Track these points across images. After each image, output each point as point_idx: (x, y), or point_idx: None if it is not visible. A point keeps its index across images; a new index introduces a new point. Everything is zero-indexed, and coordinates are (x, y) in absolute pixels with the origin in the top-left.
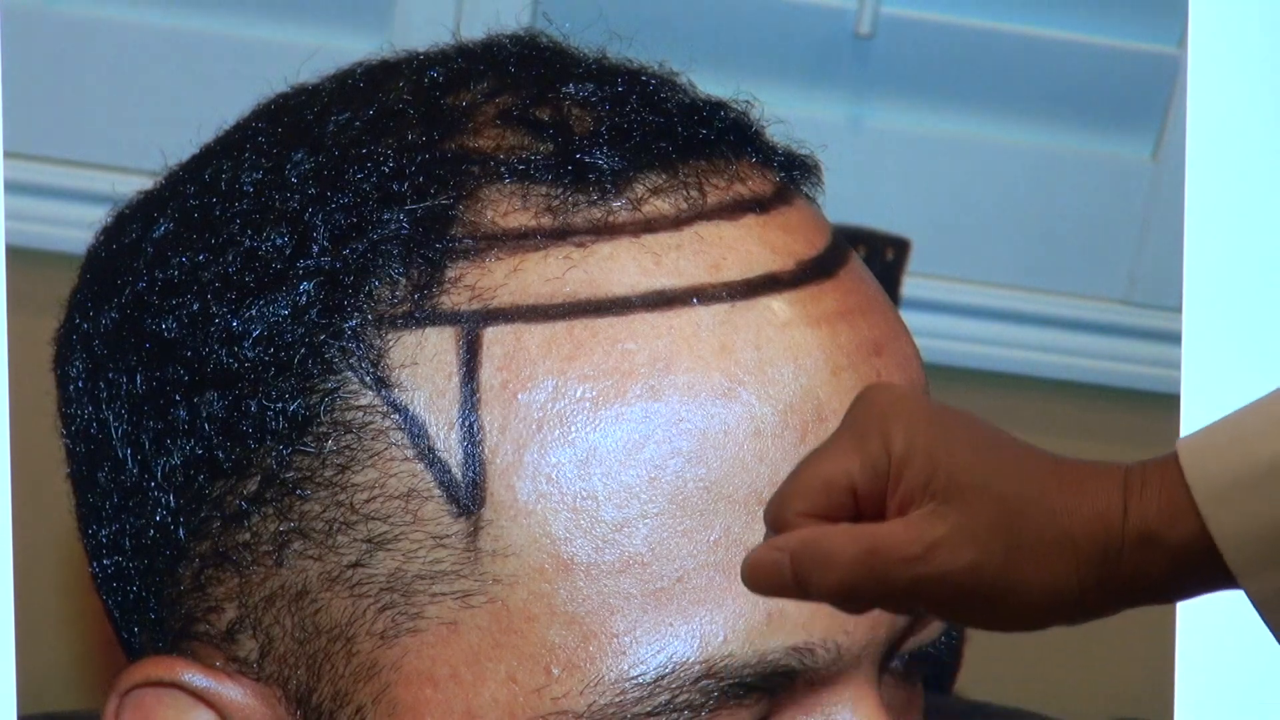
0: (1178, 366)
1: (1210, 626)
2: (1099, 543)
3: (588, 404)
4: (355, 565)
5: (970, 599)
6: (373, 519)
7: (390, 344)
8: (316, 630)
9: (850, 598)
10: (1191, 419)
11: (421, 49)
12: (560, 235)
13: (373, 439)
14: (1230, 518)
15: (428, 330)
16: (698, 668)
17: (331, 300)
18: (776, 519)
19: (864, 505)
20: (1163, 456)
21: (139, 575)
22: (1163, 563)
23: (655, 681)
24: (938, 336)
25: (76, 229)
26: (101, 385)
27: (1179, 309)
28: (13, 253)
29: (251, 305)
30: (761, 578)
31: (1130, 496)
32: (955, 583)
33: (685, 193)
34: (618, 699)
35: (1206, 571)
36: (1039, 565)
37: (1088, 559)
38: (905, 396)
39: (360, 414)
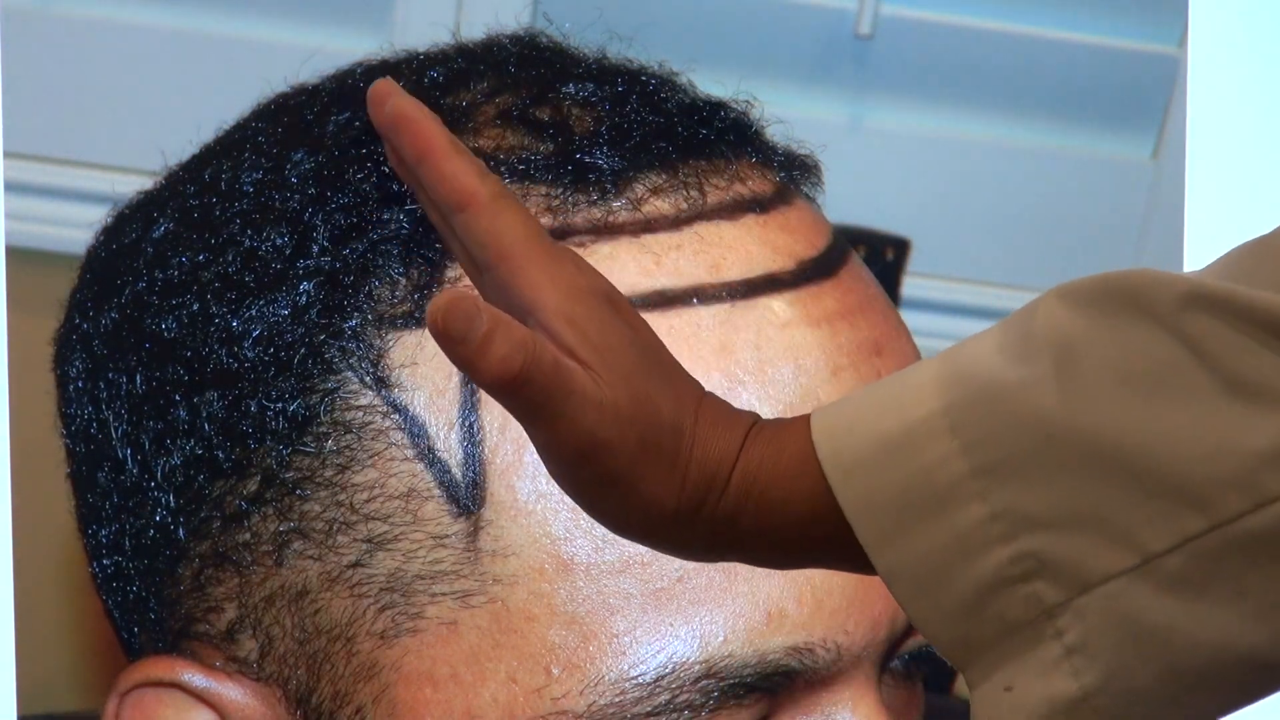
0: None
1: None
2: (705, 477)
3: None
4: (355, 565)
5: (590, 468)
6: (373, 519)
7: (390, 344)
8: (316, 630)
9: (512, 383)
10: None
11: (421, 49)
12: (560, 235)
13: (373, 439)
14: (855, 489)
15: (428, 330)
16: (698, 668)
17: (331, 300)
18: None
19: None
20: (794, 419)
21: (139, 575)
22: (759, 517)
23: (655, 681)
24: (938, 336)
25: (76, 229)
26: (101, 385)
27: None
28: (13, 253)
29: (251, 305)
30: (457, 312)
31: (747, 447)
32: (588, 445)
33: (685, 193)
34: (618, 699)
35: (810, 543)
36: (654, 472)
37: (692, 489)
38: (592, 286)
39: (360, 414)
